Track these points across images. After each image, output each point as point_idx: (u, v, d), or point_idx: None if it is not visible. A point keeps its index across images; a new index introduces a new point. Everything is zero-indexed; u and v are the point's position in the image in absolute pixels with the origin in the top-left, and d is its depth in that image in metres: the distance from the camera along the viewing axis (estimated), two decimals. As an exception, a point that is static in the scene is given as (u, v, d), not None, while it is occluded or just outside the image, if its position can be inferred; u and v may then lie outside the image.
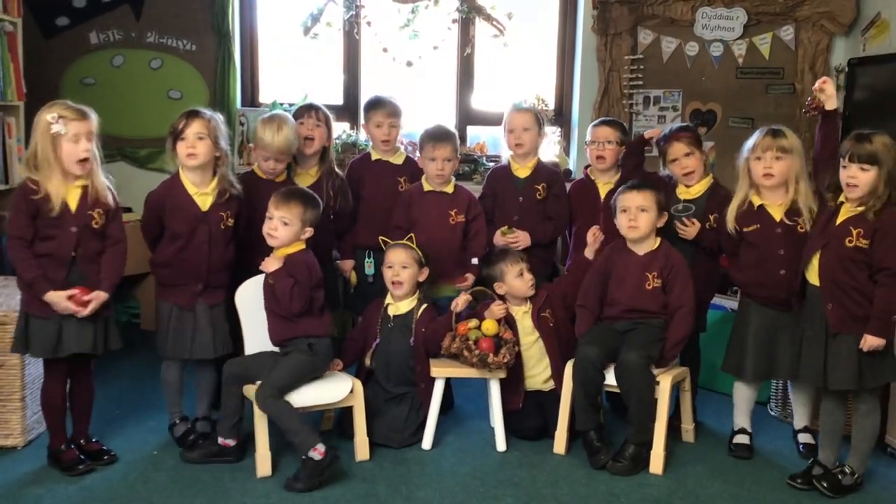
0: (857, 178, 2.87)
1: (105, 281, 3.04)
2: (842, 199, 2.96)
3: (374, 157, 3.91)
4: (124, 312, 4.98)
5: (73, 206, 2.98)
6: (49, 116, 2.91)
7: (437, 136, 3.67)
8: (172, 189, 3.24)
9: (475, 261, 3.68)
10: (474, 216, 3.72)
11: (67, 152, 2.93)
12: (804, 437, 3.46)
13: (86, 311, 2.97)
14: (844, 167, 2.91)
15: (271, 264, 3.19)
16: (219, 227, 3.25)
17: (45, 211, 2.93)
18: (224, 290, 3.31)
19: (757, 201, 3.28)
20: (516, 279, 3.50)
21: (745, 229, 3.30)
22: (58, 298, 2.94)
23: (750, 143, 3.28)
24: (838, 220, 2.95)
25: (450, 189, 3.71)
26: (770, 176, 3.21)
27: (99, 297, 3.00)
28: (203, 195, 3.23)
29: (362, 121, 4.24)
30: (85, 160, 2.97)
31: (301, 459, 3.01)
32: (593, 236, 3.58)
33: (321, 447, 3.01)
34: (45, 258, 2.97)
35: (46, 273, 2.96)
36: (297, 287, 3.14)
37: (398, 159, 3.89)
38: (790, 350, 3.18)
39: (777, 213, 3.25)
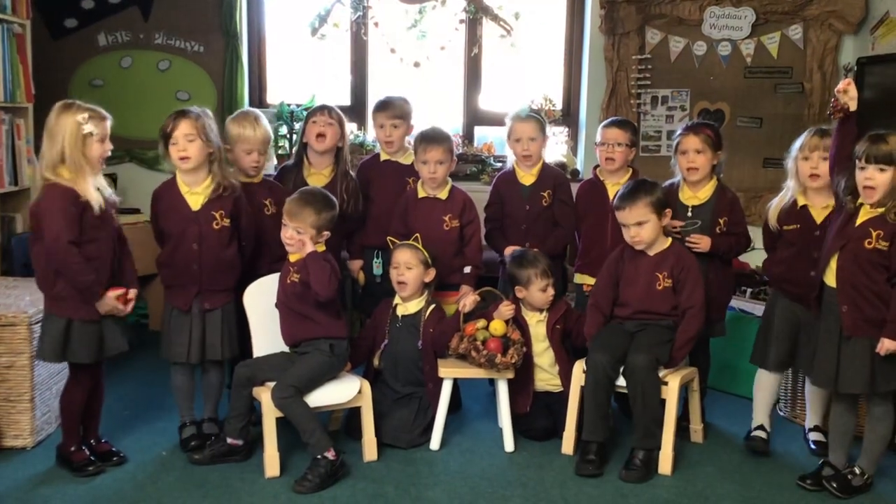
0: (875, 179, 2.85)
1: (133, 279, 3.11)
2: (861, 200, 2.94)
3: (383, 157, 3.91)
4: (133, 313, 4.98)
5: (98, 206, 2.95)
6: (80, 117, 2.91)
7: (427, 138, 3.62)
8: (168, 188, 3.25)
9: (468, 269, 3.64)
10: (469, 220, 3.69)
11: (96, 152, 2.95)
12: (815, 436, 3.45)
13: (129, 309, 3.05)
14: (862, 169, 2.89)
15: (307, 245, 3.14)
16: (211, 227, 3.20)
17: (88, 213, 2.92)
18: (227, 293, 3.28)
19: (801, 201, 3.27)
20: (539, 292, 3.47)
21: (784, 227, 3.30)
22: (110, 300, 2.99)
23: (798, 142, 3.27)
24: (858, 222, 2.93)
25: (443, 194, 3.68)
26: (816, 177, 3.20)
27: (135, 294, 3.08)
28: (194, 194, 3.20)
29: (370, 122, 4.25)
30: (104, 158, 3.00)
31: (313, 460, 3.02)
32: None
33: (333, 449, 3.02)
34: (94, 261, 2.94)
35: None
36: (333, 273, 3.13)
37: (407, 160, 3.87)
38: (809, 346, 3.18)
39: (819, 216, 3.23)
